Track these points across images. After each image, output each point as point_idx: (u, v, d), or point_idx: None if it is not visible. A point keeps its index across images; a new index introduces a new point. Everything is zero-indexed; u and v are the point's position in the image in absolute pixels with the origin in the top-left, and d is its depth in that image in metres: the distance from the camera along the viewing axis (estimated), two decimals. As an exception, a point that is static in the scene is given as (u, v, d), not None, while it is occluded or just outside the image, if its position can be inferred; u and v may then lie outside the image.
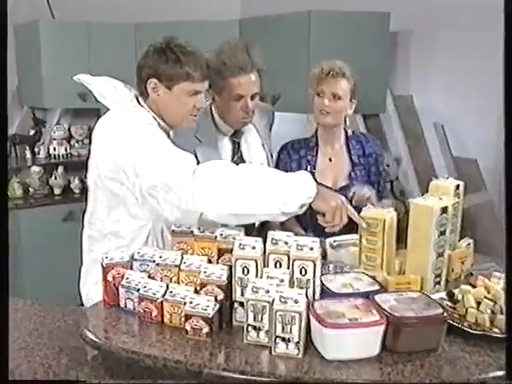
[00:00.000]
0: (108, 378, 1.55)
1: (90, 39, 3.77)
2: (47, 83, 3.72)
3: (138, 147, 1.72)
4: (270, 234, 1.55)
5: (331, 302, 1.42)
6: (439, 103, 3.24)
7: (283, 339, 1.35)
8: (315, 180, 1.68)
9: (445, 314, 1.41)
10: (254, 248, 1.50)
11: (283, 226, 2.00)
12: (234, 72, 1.97)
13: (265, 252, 1.52)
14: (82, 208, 2.05)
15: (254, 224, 1.90)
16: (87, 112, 3.89)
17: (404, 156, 3.31)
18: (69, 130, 4.24)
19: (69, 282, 2.15)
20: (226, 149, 2.14)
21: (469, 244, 1.91)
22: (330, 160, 2.28)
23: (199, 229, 1.66)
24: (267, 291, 1.40)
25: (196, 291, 1.52)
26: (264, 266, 1.50)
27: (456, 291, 1.59)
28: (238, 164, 1.85)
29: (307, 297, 1.42)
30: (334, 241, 1.91)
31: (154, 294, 1.53)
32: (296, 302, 1.36)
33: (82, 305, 1.96)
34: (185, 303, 1.48)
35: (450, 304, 1.56)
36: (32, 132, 4.12)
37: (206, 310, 1.45)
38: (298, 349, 1.35)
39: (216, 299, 1.49)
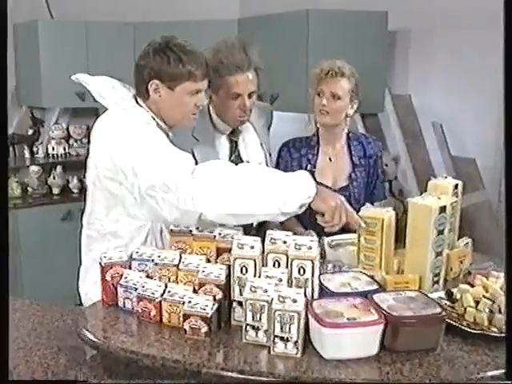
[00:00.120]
0: (107, 377, 1.55)
1: (88, 39, 3.77)
2: (46, 83, 3.72)
3: (137, 147, 1.71)
4: (269, 233, 1.55)
5: (330, 301, 1.42)
6: (438, 102, 3.24)
7: (282, 339, 1.35)
8: (315, 179, 1.68)
9: (443, 313, 1.41)
10: (252, 247, 1.50)
11: (283, 226, 2.00)
12: (231, 70, 1.97)
13: (263, 251, 1.52)
14: (80, 208, 2.05)
15: (252, 223, 1.89)
16: (86, 111, 3.89)
17: (402, 155, 3.31)
18: (67, 129, 4.24)
19: (67, 281, 2.15)
20: (224, 147, 2.14)
21: (467, 243, 1.91)
22: (331, 160, 2.28)
23: (198, 228, 1.66)
24: (266, 290, 1.40)
25: (194, 291, 1.53)
26: (262, 266, 1.51)
27: (454, 290, 1.59)
28: (235, 163, 1.85)
29: (306, 296, 1.42)
30: (333, 240, 1.91)
31: (153, 294, 1.53)
32: (294, 301, 1.36)
33: (81, 304, 1.95)
34: (183, 303, 1.47)
35: (448, 303, 1.56)
36: (30, 131, 4.12)
37: (204, 309, 1.45)
38: (297, 348, 1.35)
39: (214, 299, 1.48)
